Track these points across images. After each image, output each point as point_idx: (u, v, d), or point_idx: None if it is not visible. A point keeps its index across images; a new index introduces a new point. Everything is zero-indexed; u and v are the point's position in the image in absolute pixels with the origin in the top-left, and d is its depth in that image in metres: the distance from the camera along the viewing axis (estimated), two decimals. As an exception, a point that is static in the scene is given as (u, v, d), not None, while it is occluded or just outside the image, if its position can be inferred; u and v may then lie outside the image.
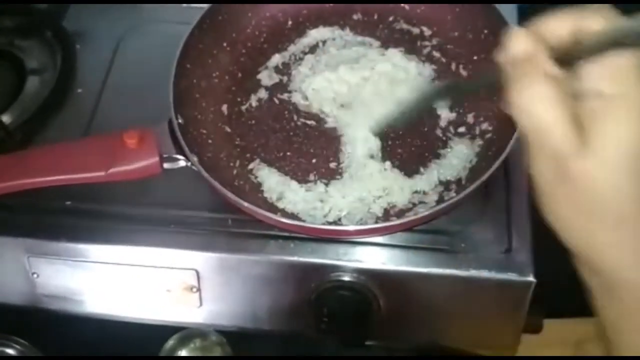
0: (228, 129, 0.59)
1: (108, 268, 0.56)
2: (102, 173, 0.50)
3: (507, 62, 0.32)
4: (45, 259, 0.57)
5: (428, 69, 0.60)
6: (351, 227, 0.51)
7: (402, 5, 0.64)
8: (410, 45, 0.62)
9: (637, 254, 0.31)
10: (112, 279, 0.57)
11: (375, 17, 0.64)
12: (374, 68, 0.58)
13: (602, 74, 0.30)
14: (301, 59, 0.62)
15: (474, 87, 0.55)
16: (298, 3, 0.64)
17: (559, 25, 0.31)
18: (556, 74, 0.30)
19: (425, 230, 0.53)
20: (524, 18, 0.63)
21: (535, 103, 0.30)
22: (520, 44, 0.31)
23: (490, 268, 0.51)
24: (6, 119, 0.64)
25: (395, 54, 0.60)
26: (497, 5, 0.57)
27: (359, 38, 0.63)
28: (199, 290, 0.56)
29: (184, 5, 0.71)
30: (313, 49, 0.63)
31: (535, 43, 0.31)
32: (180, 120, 0.53)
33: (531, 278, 0.51)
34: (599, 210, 0.30)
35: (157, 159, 0.51)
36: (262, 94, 0.61)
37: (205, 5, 0.60)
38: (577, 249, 0.32)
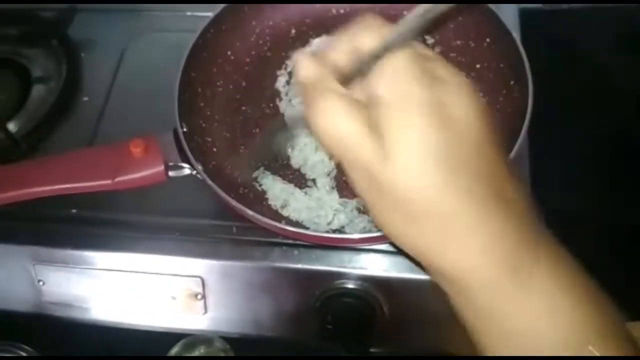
0: (233, 137, 0.59)
1: (113, 275, 0.57)
2: (108, 181, 0.50)
3: (299, 88, 0.33)
4: (51, 267, 0.57)
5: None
6: (355, 236, 0.51)
7: (404, 13, 0.63)
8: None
9: (466, 247, 0.30)
10: (118, 286, 0.57)
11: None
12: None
13: (378, 80, 0.30)
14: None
15: None
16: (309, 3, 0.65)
17: (338, 48, 0.33)
18: (344, 91, 0.32)
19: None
20: (525, 25, 0.63)
21: (328, 118, 0.31)
22: (305, 70, 0.33)
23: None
24: (12, 127, 0.65)
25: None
26: (499, 12, 0.57)
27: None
28: (203, 297, 0.56)
29: (189, 13, 0.72)
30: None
31: (318, 66, 0.32)
32: (185, 129, 0.54)
33: (535, 285, 0.51)
34: (417, 216, 0.30)
35: (162, 167, 0.51)
36: (266, 102, 0.61)
37: (210, 14, 0.61)
38: (415, 255, 0.32)
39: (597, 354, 0.29)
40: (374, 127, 0.30)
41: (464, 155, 0.29)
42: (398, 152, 0.29)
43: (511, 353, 0.31)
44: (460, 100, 0.30)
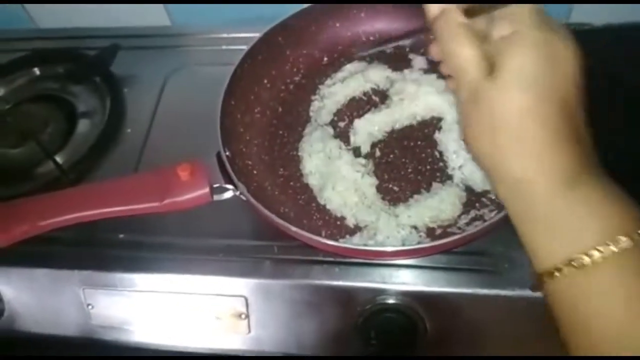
0: (271, 160, 0.61)
1: (160, 297, 0.58)
2: (157, 204, 0.52)
3: (430, 23, 0.41)
4: (100, 290, 0.59)
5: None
6: (389, 249, 0.52)
7: (432, 37, 0.66)
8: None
9: (538, 160, 0.36)
10: (164, 308, 0.59)
11: (407, 49, 0.67)
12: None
13: (505, 20, 0.37)
14: (333, 93, 0.65)
15: None
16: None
17: None
18: (467, 21, 0.39)
19: (469, 252, 0.55)
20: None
21: (454, 43, 0.38)
22: (434, 7, 0.41)
23: (534, 287, 0.52)
24: (60, 159, 0.69)
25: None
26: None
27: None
28: (247, 317, 0.57)
29: (224, 47, 0.75)
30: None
31: (445, 4, 0.39)
32: (227, 153, 0.56)
33: (576, 295, 0.51)
34: (499, 127, 0.36)
35: (207, 189, 0.53)
36: (302, 126, 0.64)
37: (245, 47, 0.64)
38: (488, 165, 0.38)
39: (627, 244, 0.34)
40: (489, 54, 0.37)
41: (557, 88, 0.36)
42: (504, 74, 0.36)
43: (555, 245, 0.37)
44: (566, 46, 0.37)
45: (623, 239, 0.34)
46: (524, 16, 0.37)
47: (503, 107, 0.36)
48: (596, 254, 0.35)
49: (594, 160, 0.37)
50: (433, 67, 0.65)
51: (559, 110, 0.36)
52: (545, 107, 0.36)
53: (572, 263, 0.35)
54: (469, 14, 0.39)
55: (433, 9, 0.41)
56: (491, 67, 0.37)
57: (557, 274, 0.36)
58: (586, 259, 0.35)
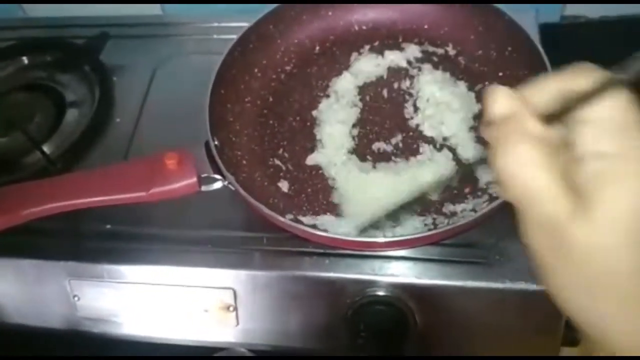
0: (261, 150, 0.60)
1: (147, 289, 0.57)
2: (143, 193, 0.51)
3: (489, 124, 0.29)
4: (86, 282, 0.58)
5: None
6: (381, 239, 0.51)
7: (425, 27, 0.66)
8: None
9: None
10: (151, 300, 0.58)
11: (400, 39, 0.66)
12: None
13: (598, 133, 0.27)
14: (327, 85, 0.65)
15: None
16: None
17: (543, 89, 0.29)
18: (543, 133, 0.28)
19: (460, 244, 0.54)
20: (545, 33, 0.64)
21: (521, 166, 0.27)
22: (502, 102, 0.29)
23: (526, 279, 0.51)
24: (47, 148, 0.67)
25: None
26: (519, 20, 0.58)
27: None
28: (235, 309, 0.57)
29: (215, 37, 0.74)
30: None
31: (518, 100, 0.29)
32: (216, 142, 0.55)
33: (568, 288, 0.51)
34: (602, 284, 0.27)
35: (195, 178, 0.53)
36: (293, 116, 0.63)
37: (235, 37, 0.63)
38: (580, 321, 0.29)
39: None
40: (570, 179, 0.27)
41: None
42: (603, 213, 0.26)
43: None
44: None
45: None
46: (619, 123, 0.26)
47: (608, 262, 0.26)
48: None
49: None
50: (426, 57, 0.64)
51: None
52: None
53: None
54: (547, 122, 0.28)
55: (499, 105, 0.29)
56: (576, 194, 0.27)
57: None
58: None
